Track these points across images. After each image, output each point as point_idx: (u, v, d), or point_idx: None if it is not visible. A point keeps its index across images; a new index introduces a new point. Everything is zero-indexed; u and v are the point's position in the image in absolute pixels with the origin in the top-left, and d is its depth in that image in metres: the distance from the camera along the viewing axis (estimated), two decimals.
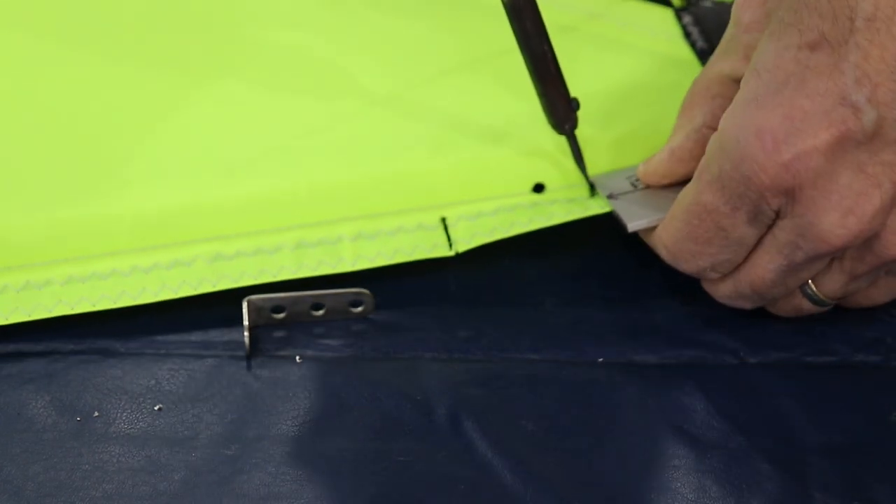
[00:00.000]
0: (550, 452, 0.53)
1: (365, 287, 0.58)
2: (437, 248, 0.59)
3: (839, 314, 0.58)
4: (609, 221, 0.61)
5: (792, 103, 0.50)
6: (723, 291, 0.56)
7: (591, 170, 0.60)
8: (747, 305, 0.57)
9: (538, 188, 0.61)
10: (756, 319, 0.58)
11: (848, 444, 0.53)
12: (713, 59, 0.56)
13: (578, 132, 0.60)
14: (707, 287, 0.57)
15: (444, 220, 0.60)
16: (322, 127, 0.63)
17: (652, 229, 0.57)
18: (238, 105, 0.65)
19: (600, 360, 0.57)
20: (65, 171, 0.62)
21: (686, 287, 0.59)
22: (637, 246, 0.61)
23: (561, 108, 0.59)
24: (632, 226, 0.57)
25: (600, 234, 0.62)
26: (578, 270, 0.61)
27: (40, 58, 0.67)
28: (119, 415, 0.55)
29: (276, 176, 0.61)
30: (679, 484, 0.52)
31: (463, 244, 0.59)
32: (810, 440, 0.54)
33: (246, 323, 0.57)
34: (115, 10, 0.70)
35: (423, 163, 0.61)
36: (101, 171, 0.61)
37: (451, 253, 0.59)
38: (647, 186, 0.59)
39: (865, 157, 0.50)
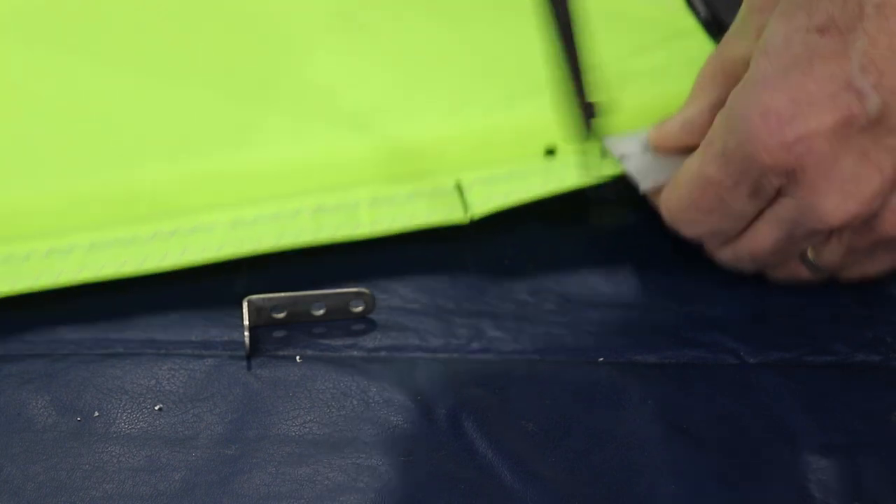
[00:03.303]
0: (550, 452, 0.53)
1: (365, 286, 0.58)
2: (453, 213, 0.60)
3: (839, 314, 0.58)
4: (609, 220, 0.61)
5: (798, 86, 0.51)
6: (722, 256, 0.58)
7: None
8: (747, 270, 0.58)
9: (550, 152, 0.61)
10: (756, 319, 0.58)
11: (848, 444, 0.53)
12: (728, 37, 0.57)
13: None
14: (707, 250, 0.58)
15: (458, 184, 0.60)
16: (338, 93, 0.64)
17: (661, 190, 0.58)
18: (252, 75, 0.65)
19: (600, 359, 0.57)
20: (84, 141, 0.62)
21: (686, 286, 0.59)
22: (637, 246, 0.61)
23: (581, 113, 0.59)
24: (644, 185, 0.58)
25: (601, 234, 0.62)
26: (578, 270, 0.61)
27: (67, 37, 0.68)
28: (119, 415, 0.55)
29: (293, 142, 0.62)
30: (679, 484, 0.52)
31: (479, 208, 0.60)
32: (810, 440, 0.54)
33: (246, 323, 0.57)
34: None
35: (438, 128, 0.62)
36: (119, 141, 0.62)
37: (467, 218, 0.59)
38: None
39: (868, 143, 0.51)
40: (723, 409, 0.55)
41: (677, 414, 0.54)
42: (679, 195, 0.56)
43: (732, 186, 0.53)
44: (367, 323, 0.58)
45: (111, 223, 0.60)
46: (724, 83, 0.57)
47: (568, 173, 0.60)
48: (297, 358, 0.57)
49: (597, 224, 0.62)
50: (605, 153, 0.60)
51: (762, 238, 0.55)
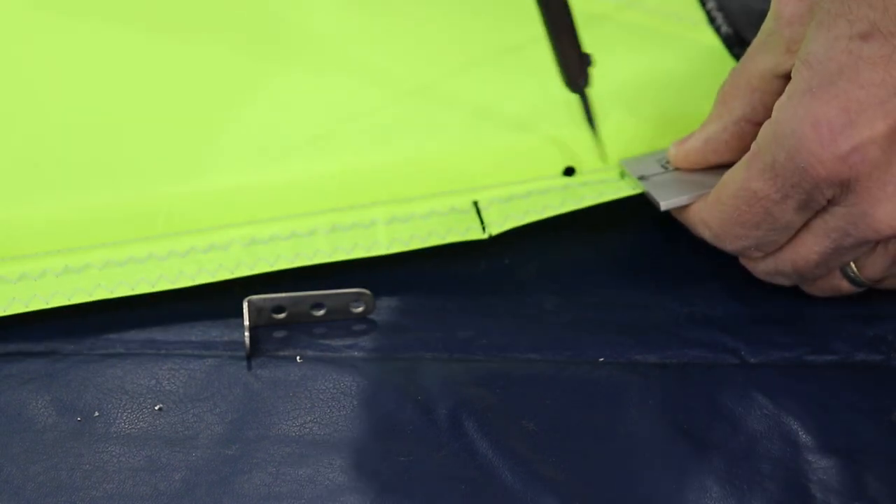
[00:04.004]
0: (551, 452, 0.53)
1: (365, 287, 0.58)
2: (470, 231, 0.60)
3: (839, 313, 0.58)
4: (611, 220, 0.61)
5: (847, 94, 0.50)
6: (762, 268, 0.57)
7: (620, 154, 0.61)
8: (785, 283, 0.57)
9: (569, 171, 0.61)
10: (757, 319, 0.58)
11: (849, 444, 0.53)
12: (752, 51, 0.56)
13: (608, 118, 0.61)
14: (746, 263, 0.58)
15: (476, 203, 0.60)
16: (355, 112, 0.64)
17: (684, 209, 0.58)
18: (269, 92, 0.65)
19: (601, 359, 0.57)
20: (100, 156, 0.62)
21: (687, 287, 0.59)
22: (637, 246, 0.61)
23: (574, 64, 0.59)
24: (664, 204, 0.58)
25: (601, 234, 0.62)
26: (578, 270, 0.61)
27: (89, 43, 0.68)
28: (119, 415, 0.55)
29: (310, 160, 0.62)
30: (680, 484, 0.52)
31: (496, 227, 0.60)
32: (811, 440, 0.54)
33: (246, 323, 0.57)
34: (153, 8, 0.70)
35: (455, 147, 0.62)
36: (136, 158, 0.62)
37: (485, 236, 0.60)
38: (678, 168, 0.59)
39: None
40: (723, 409, 0.55)
41: (677, 414, 0.54)
42: (721, 211, 0.55)
43: (780, 200, 0.53)
44: (367, 323, 0.58)
45: (126, 241, 0.60)
46: (749, 98, 0.56)
47: (586, 192, 0.60)
48: (298, 358, 0.57)
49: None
50: (623, 174, 0.60)
51: (807, 250, 0.55)
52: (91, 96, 0.65)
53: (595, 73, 0.60)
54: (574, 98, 0.60)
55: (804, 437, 0.54)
